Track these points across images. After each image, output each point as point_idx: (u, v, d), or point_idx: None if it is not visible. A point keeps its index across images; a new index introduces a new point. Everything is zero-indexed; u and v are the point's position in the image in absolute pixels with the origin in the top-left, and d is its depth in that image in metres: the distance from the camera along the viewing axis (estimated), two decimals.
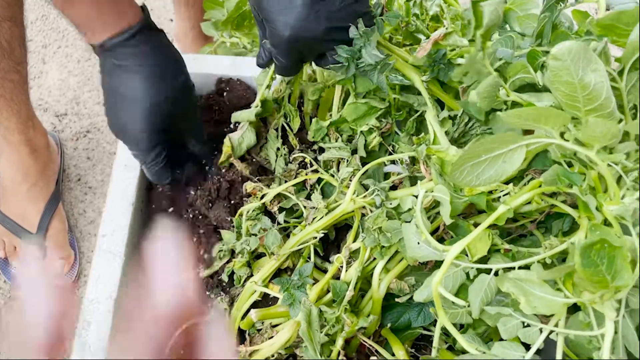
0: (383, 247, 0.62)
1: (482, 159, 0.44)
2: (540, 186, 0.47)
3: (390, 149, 0.71)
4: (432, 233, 0.62)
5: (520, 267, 0.49)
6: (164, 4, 1.55)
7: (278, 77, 0.71)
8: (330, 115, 0.73)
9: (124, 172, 0.73)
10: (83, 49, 1.45)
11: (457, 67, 0.61)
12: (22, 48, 0.96)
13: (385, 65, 0.61)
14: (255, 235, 0.68)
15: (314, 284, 0.64)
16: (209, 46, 0.85)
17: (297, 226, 0.68)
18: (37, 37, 1.46)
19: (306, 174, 0.70)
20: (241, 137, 0.70)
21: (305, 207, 0.68)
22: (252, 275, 0.68)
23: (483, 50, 0.50)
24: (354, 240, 0.66)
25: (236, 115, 0.73)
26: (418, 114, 0.69)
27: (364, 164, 0.70)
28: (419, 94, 0.66)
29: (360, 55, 0.61)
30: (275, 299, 0.66)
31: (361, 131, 0.70)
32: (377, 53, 0.60)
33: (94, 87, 1.39)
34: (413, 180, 0.66)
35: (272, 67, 0.68)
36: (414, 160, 0.66)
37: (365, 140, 0.70)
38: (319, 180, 0.70)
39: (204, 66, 0.80)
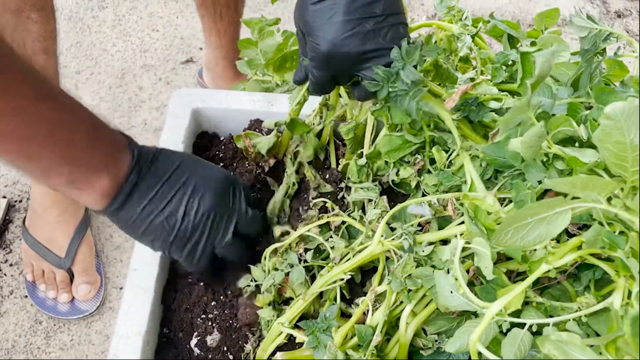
0: (410, 290, 0.62)
1: (527, 222, 0.44)
2: (581, 245, 0.47)
3: (423, 186, 0.71)
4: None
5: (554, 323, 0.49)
6: (193, 33, 1.59)
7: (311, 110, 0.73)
8: (362, 152, 0.74)
9: None
10: (114, 76, 1.49)
11: (488, 109, 0.62)
12: (55, 77, 0.99)
13: (418, 91, 0.61)
14: (282, 270, 0.69)
15: (338, 327, 0.64)
16: (242, 83, 0.87)
17: (322, 267, 0.69)
18: (71, 64, 1.51)
19: (327, 217, 0.70)
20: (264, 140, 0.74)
21: (332, 247, 0.68)
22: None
23: (529, 102, 0.50)
24: (379, 283, 0.65)
25: (267, 122, 0.76)
26: (451, 153, 0.68)
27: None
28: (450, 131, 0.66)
29: (397, 78, 0.62)
30: (300, 342, 0.66)
31: (393, 163, 0.71)
32: (416, 73, 0.61)
33: (125, 113, 1.42)
34: (439, 222, 0.66)
35: (306, 84, 0.70)
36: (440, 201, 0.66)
37: (398, 172, 0.71)
38: (344, 221, 0.70)
39: (237, 103, 0.82)
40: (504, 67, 0.75)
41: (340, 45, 0.59)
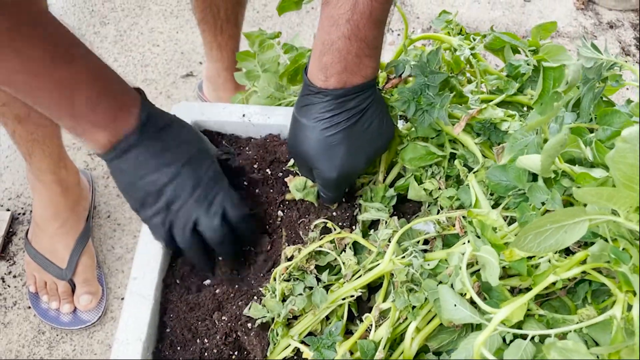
0: (414, 307, 0.62)
1: (546, 228, 0.46)
2: (585, 259, 0.48)
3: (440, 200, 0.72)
4: (464, 294, 0.61)
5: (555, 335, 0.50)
6: (193, 47, 1.61)
7: None
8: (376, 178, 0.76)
9: None
10: None
11: (504, 132, 0.64)
12: None
13: (445, 97, 0.65)
14: (302, 294, 0.66)
15: (342, 342, 0.63)
16: (241, 94, 0.88)
17: (332, 284, 0.67)
18: None
19: (335, 235, 0.69)
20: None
21: (344, 263, 0.67)
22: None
23: (553, 112, 0.51)
24: (384, 300, 0.65)
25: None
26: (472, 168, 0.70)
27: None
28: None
29: (422, 94, 0.66)
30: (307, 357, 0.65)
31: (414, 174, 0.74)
32: (441, 73, 0.65)
33: None
34: (445, 239, 0.67)
35: None
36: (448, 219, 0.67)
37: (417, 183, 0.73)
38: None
39: (235, 116, 0.83)
40: (515, 79, 0.77)
41: (347, 168, 0.67)
